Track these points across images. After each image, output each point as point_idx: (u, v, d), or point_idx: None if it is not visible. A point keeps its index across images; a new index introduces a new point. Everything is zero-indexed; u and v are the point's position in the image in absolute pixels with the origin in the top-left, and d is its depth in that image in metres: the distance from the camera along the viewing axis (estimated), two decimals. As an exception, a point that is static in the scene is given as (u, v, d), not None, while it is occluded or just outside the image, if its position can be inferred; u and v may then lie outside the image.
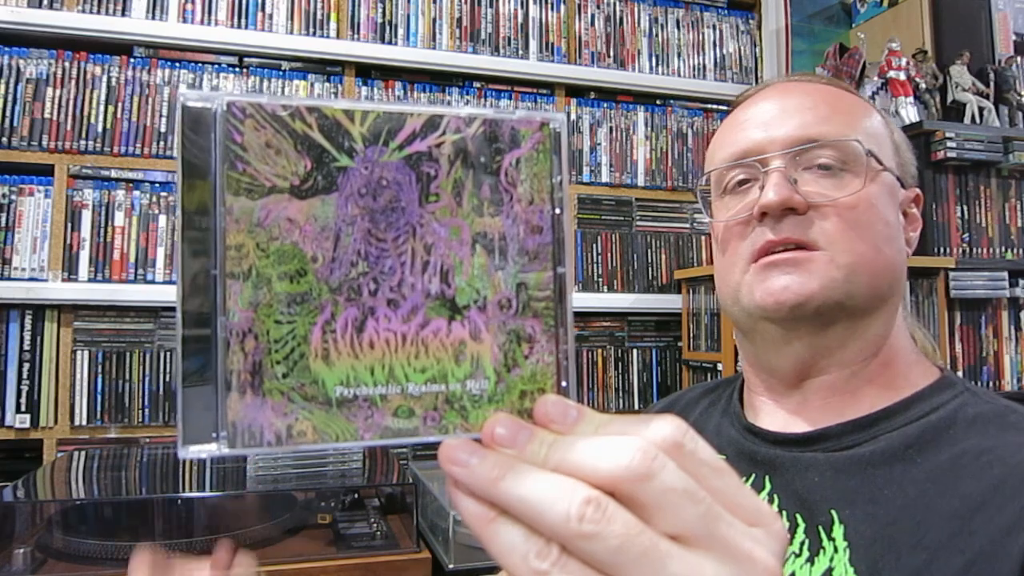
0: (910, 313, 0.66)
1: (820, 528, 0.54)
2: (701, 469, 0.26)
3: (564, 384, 0.31)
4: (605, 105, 2.03)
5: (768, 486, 0.59)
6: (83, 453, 1.51)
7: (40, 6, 1.63)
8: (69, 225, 1.61)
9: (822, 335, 0.59)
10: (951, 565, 0.46)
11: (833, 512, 0.54)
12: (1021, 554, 0.44)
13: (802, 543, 0.54)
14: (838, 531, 0.53)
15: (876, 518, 0.51)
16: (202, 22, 1.73)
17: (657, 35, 2.09)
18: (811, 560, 0.52)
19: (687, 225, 2.05)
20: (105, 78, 1.67)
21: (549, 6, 2.00)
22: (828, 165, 0.60)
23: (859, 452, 0.56)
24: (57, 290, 1.58)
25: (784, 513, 0.57)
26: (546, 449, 0.26)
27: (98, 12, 1.66)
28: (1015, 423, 0.53)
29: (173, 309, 1.65)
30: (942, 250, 1.85)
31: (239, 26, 1.75)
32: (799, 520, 0.55)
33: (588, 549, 0.24)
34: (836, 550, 0.52)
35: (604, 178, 2.00)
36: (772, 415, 0.64)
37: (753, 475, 0.61)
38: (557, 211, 0.32)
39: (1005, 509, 0.46)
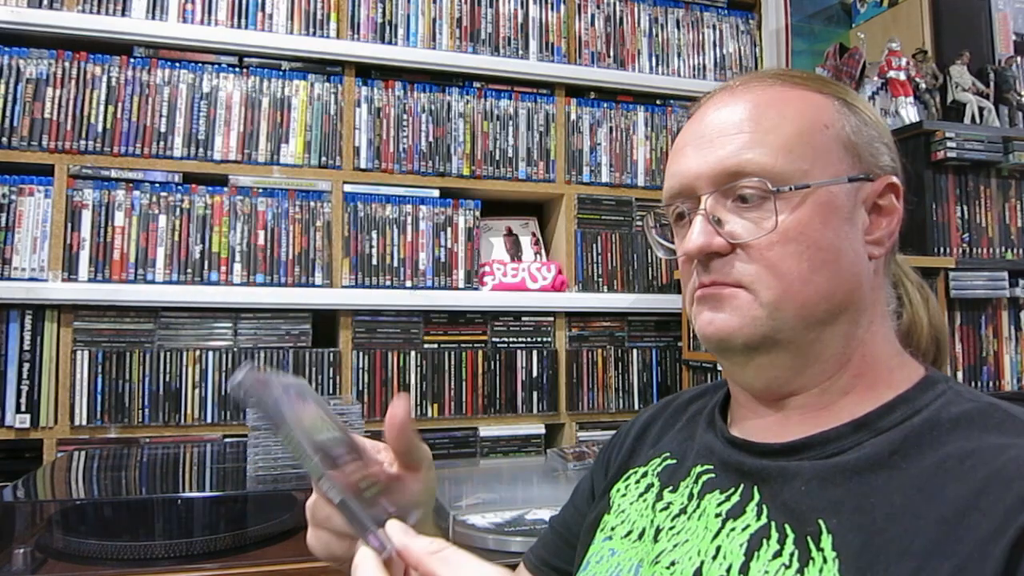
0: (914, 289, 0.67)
1: (808, 538, 0.53)
2: None
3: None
4: (605, 105, 2.03)
5: (756, 496, 0.59)
6: (83, 453, 1.51)
7: (40, 6, 1.64)
8: (69, 225, 1.61)
9: (764, 366, 0.61)
10: (940, 571, 0.46)
11: (821, 522, 0.53)
12: (1004, 556, 0.44)
13: (791, 554, 0.53)
14: (826, 541, 0.52)
15: (863, 527, 0.51)
16: (202, 22, 1.73)
17: (657, 35, 2.09)
18: (800, 571, 0.52)
19: (687, 225, 2.05)
20: (105, 78, 1.67)
21: (549, 6, 2.00)
22: (750, 196, 0.59)
23: (844, 459, 0.55)
24: (57, 290, 1.58)
25: (773, 524, 0.56)
26: None
27: (98, 12, 1.67)
28: (999, 422, 0.53)
29: (173, 309, 1.66)
30: (942, 250, 1.85)
31: (239, 26, 1.75)
32: (788, 531, 0.55)
33: None
34: (825, 560, 0.51)
35: (604, 178, 2.00)
36: (753, 425, 0.64)
37: (742, 486, 0.60)
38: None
39: (990, 513, 0.46)
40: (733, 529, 0.58)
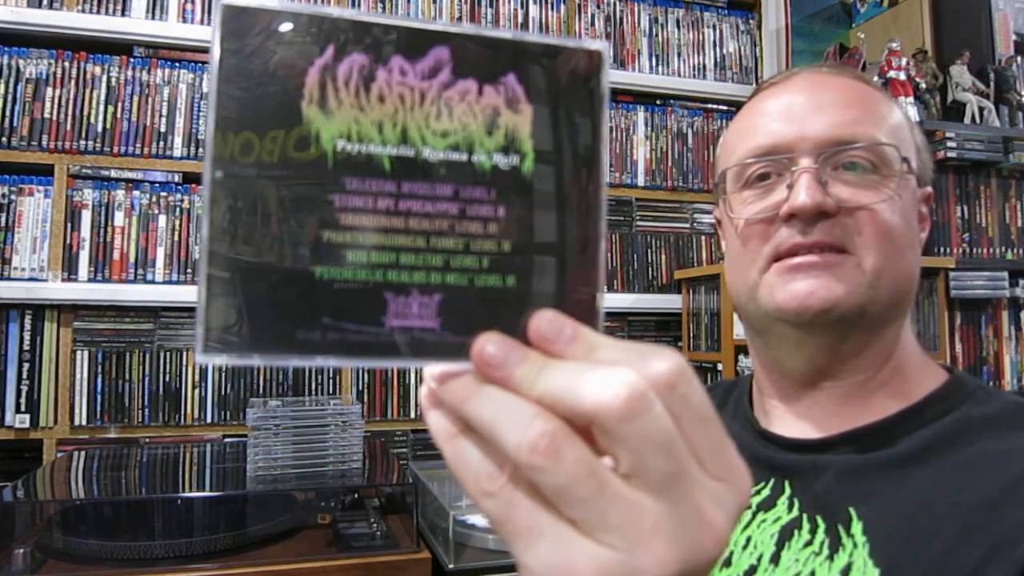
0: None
1: (839, 526, 0.54)
2: (686, 414, 0.25)
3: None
4: (605, 105, 2.02)
5: (788, 490, 0.59)
6: (83, 453, 1.51)
7: (40, 6, 1.63)
8: (69, 225, 1.61)
9: (839, 342, 0.59)
10: (971, 555, 0.47)
11: (851, 509, 0.54)
12: None
13: (822, 542, 0.54)
14: (856, 527, 0.53)
15: (893, 514, 0.52)
16: (202, 22, 1.73)
17: (657, 35, 2.09)
18: (831, 557, 0.53)
19: (687, 225, 2.05)
20: (105, 78, 1.67)
21: (549, 6, 2.00)
22: (858, 165, 0.59)
23: (876, 456, 0.56)
24: (57, 290, 1.58)
25: (804, 516, 0.57)
26: (536, 373, 0.25)
27: (98, 12, 1.66)
28: None
29: (173, 309, 1.66)
30: (942, 250, 1.85)
31: (239, 26, 1.75)
32: (819, 521, 0.56)
33: (536, 480, 0.24)
34: (856, 546, 0.52)
35: (604, 178, 2.00)
36: (783, 419, 0.64)
37: (772, 480, 0.61)
38: None
39: (1021, 504, 0.47)
40: (764, 521, 0.59)
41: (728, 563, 0.59)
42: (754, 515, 0.60)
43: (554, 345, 0.26)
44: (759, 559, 0.57)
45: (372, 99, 0.26)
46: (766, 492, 0.61)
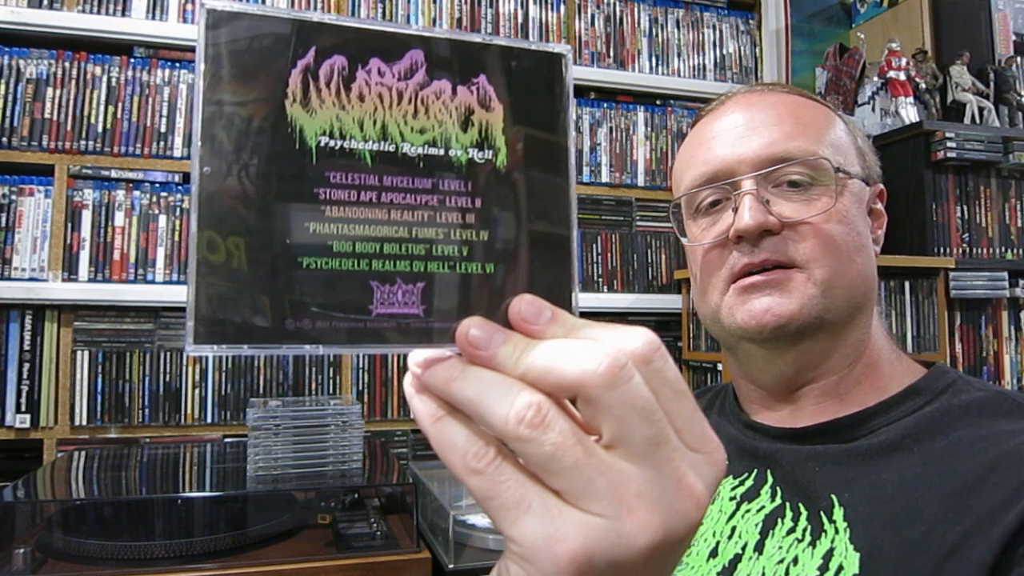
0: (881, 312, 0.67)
1: (821, 513, 0.55)
2: (663, 388, 0.26)
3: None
4: (605, 105, 2.02)
5: (771, 479, 0.61)
6: (83, 453, 1.51)
7: (40, 6, 1.63)
8: (69, 225, 1.61)
9: (804, 351, 0.61)
10: (949, 536, 0.48)
11: (833, 496, 0.55)
12: (1015, 523, 0.46)
13: (804, 529, 0.56)
14: (838, 513, 0.54)
15: (875, 498, 0.53)
16: (202, 22, 1.73)
17: (657, 35, 2.09)
18: (813, 544, 0.54)
19: (687, 225, 2.05)
20: (105, 78, 1.67)
21: (549, 6, 2.00)
22: (798, 182, 0.61)
23: (858, 445, 0.57)
24: (57, 290, 1.58)
25: (788, 504, 0.58)
26: (518, 353, 0.26)
27: (98, 12, 1.66)
28: (1008, 410, 0.55)
29: (172, 309, 1.66)
30: (942, 250, 1.85)
31: (239, 26, 1.75)
32: (801, 508, 0.57)
33: (523, 452, 0.25)
34: (837, 531, 0.53)
35: (604, 178, 2.00)
36: (767, 418, 0.66)
37: (756, 470, 0.62)
38: None
39: (1000, 486, 0.48)
40: (748, 511, 0.60)
41: (715, 553, 0.60)
42: (739, 505, 0.61)
43: (534, 326, 0.27)
44: (744, 548, 0.58)
45: (352, 98, 0.28)
46: (750, 482, 0.62)
